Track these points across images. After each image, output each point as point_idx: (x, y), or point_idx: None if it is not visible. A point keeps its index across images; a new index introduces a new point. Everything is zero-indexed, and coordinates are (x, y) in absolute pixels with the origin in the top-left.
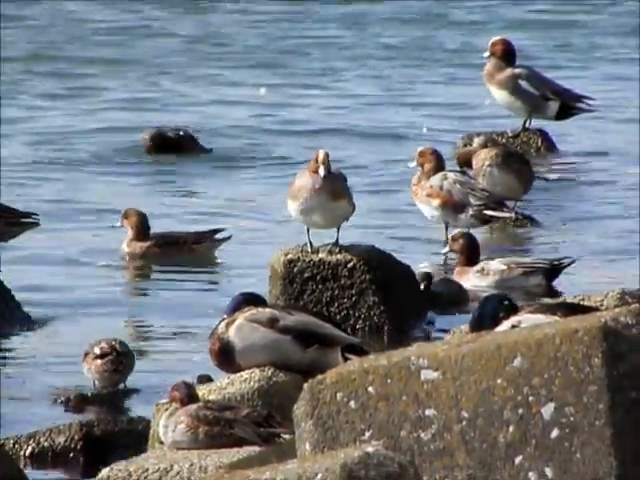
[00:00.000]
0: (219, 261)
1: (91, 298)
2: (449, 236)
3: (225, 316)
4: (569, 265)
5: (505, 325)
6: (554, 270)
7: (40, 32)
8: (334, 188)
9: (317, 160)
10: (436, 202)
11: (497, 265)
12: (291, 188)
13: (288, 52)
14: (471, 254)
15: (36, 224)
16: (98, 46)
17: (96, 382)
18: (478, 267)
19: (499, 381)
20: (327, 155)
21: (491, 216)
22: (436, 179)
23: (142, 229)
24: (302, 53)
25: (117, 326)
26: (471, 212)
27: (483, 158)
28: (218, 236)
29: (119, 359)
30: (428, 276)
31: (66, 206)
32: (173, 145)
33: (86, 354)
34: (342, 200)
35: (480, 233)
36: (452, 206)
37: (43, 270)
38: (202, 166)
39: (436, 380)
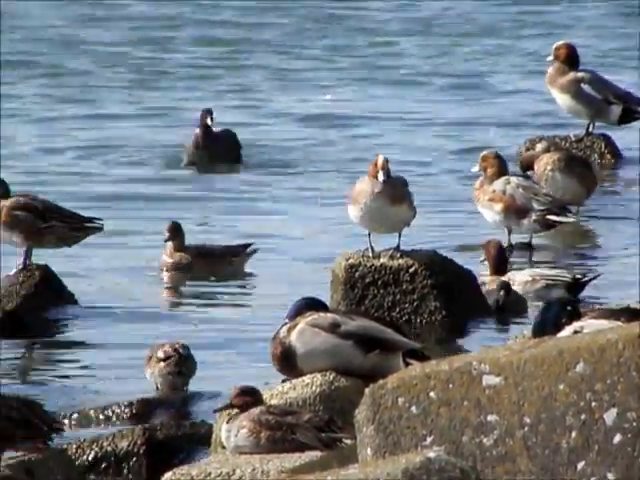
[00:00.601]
0: (250, 272)
1: (146, 305)
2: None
3: (287, 320)
4: (593, 279)
5: (568, 330)
6: (577, 284)
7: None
8: (394, 193)
9: (376, 165)
10: (499, 207)
11: (522, 276)
12: (351, 193)
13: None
14: (498, 264)
15: (99, 229)
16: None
17: (159, 385)
18: (505, 277)
19: (561, 387)
20: (386, 160)
21: (554, 221)
22: (499, 183)
23: (182, 241)
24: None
25: (174, 333)
26: (534, 217)
27: (545, 162)
28: (248, 250)
29: (182, 361)
30: (507, 285)
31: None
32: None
33: (149, 358)
34: (402, 205)
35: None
36: (515, 211)
37: (100, 277)
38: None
39: (498, 385)
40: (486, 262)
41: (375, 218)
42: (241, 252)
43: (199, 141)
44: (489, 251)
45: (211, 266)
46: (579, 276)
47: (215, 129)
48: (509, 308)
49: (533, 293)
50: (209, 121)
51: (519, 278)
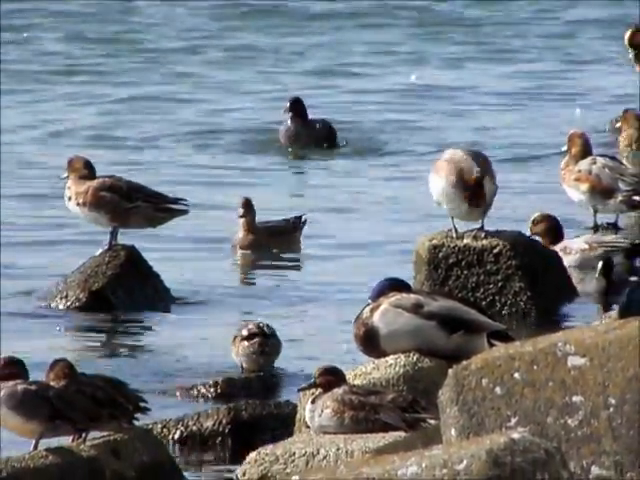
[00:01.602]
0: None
1: (226, 286)
2: (531, 219)
3: (370, 301)
4: None
5: None
6: (635, 250)
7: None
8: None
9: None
10: (585, 187)
11: (579, 244)
12: (437, 167)
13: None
14: (554, 236)
15: (185, 211)
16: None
17: (243, 365)
18: (561, 245)
19: None
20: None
21: None
22: (585, 163)
23: (254, 217)
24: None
25: (256, 314)
26: (620, 197)
27: (629, 139)
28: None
29: (266, 341)
30: (607, 264)
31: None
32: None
33: (235, 337)
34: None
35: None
36: (601, 191)
37: (180, 256)
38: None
39: (583, 367)
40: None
41: (457, 214)
42: (299, 225)
43: (294, 131)
44: (541, 226)
45: (280, 242)
46: (638, 241)
47: (310, 117)
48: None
49: (593, 260)
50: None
51: (576, 246)
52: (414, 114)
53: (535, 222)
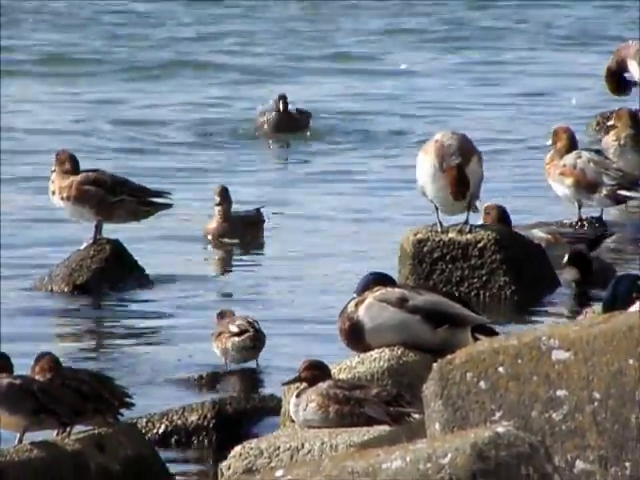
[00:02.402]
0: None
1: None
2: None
3: (354, 295)
4: (609, 237)
5: (638, 305)
6: (597, 242)
7: None
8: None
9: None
10: (569, 181)
11: (541, 234)
12: (425, 148)
13: None
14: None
15: (169, 205)
16: None
17: (229, 360)
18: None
19: (631, 362)
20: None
21: (625, 196)
22: (570, 158)
23: (230, 206)
24: None
25: (243, 306)
26: (604, 192)
27: (616, 136)
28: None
29: (257, 336)
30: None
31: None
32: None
33: (219, 333)
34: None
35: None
36: (585, 185)
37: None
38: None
39: (567, 361)
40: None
41: (443, 202)
42: (262, 216)
43: (276, 123)
44: (491, 215)
45: (248, 232)
46: (599, 233)
47: (291, 109)
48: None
49: (554, 251)
50: (281, 106)
51: (538, 236)
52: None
53: (486, 211)
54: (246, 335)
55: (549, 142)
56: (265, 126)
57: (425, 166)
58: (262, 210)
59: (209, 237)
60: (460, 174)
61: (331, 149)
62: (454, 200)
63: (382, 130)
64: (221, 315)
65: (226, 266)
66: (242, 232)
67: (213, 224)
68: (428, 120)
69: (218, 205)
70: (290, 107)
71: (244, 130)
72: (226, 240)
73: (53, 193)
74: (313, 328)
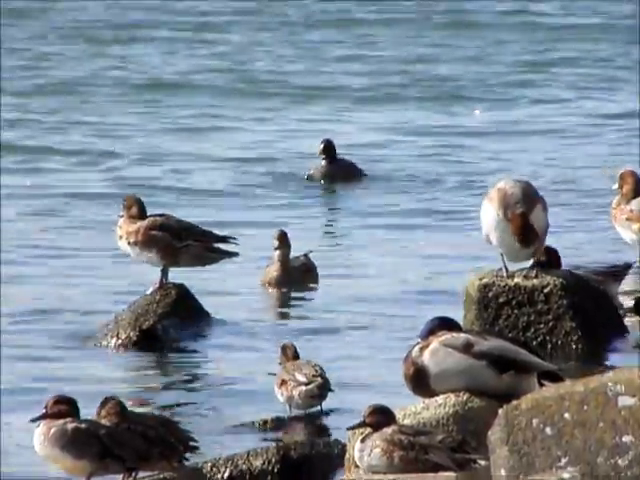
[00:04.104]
0: None
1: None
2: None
3: (419, 340)
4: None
5: None
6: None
7: None
8: (529, 237)
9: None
10: (636, 226)
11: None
12: (492, 195)
13: None
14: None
15: (236, 254)
16: None
17: (293, 407)
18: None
19: None
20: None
21: None
22: (637, 203)
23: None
24: None
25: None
26: None
27: None
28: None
29: (324, 385)
30: None
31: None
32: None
33: (283, 380)
34: (535, 243)
35: None
36: None
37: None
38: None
39: (633, 406)
40: None
41: (508, 250)
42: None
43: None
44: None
45: (309, 278)
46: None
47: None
48: None
49: None
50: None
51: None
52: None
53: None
54: (314, 385)
55: (615, 186)
56: None
57: (489, 214)
58: (309, 255)
59: (269, 284)
60: (525, 221)
61: None
62: (521, 247)
63: None
64: (284, 350)
65: (288, 310)
66: (300, 279)
67: (273, 271)
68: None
69: (277, 249)
70: None
71: None
72: (285, 290)
73: (120, 238)
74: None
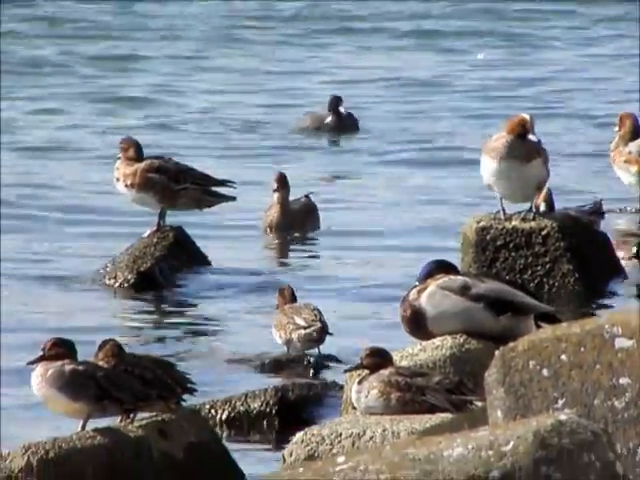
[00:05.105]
0: None
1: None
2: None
3: (417, 283)
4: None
5: None
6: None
7: None
8: (527, 150)
9: (516, 122)
10: (634, 169)
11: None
12: (486, 145)
13: None
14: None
15: (233, 198)
16: None
17: (291, 349)
18: None
19: None
20: (532, 118)
21: None
22: (635, 145)
23: (288, 193)
24: None
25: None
26: None
27: None
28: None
29: (324, 329)
30: None
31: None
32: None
33: (284, 323)
34: (535, 161)
35: None
36: None
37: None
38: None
39: (630, 348)
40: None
41: (505, 177)
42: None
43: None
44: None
45: (307, 220)
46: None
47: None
48: None
49: None
50: (341, 108)
51: None
52: None
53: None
54: (312, 328)
55: (615, 128)
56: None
57: (486, 160)
58: (310, 196)
59: (269, 227)
60: (523, 121)
61: None
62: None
63: None
64: (281, 292)
65: (287, 253)
66: (301, 221)
67: (273, 214)
68: None
69: (276, 191)
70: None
71: None
72: (284, 231)
73: (117, 180)
74: (376, 314)
